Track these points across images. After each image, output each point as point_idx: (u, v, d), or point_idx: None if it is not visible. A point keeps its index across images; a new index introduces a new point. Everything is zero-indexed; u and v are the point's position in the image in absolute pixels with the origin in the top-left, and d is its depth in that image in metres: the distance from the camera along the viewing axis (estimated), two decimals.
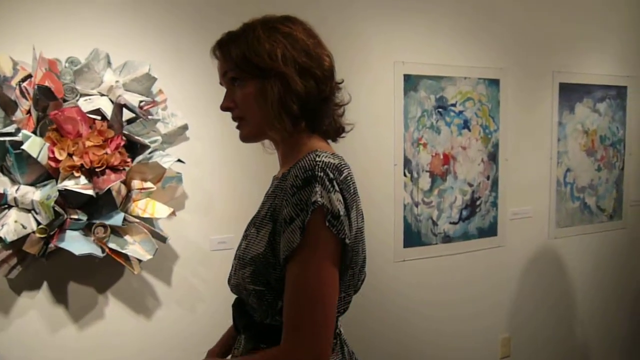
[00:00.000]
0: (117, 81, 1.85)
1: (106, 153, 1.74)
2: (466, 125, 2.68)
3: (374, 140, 2.46)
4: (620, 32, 3.23)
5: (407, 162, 2.53)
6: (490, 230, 2.81)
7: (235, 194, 2.20)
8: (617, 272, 3.35)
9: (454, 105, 2.64)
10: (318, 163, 1.05)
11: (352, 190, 1.09)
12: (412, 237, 2.58)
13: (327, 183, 1.02)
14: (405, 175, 2.53)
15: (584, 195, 3.13)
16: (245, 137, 1.21)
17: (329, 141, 1.24)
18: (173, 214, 1.96)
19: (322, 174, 1.03)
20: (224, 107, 1.19)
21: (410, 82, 2.51)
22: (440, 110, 2.60)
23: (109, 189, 1.75)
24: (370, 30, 2.42)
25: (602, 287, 3.29)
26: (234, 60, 1.13)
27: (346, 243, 1.04)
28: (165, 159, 1.94)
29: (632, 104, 3.28)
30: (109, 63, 1.87)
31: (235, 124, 1.21)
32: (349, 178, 1.09)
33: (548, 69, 2.94)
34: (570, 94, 3.03)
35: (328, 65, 1.16)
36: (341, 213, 1.02)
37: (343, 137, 1.28)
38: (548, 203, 3.01)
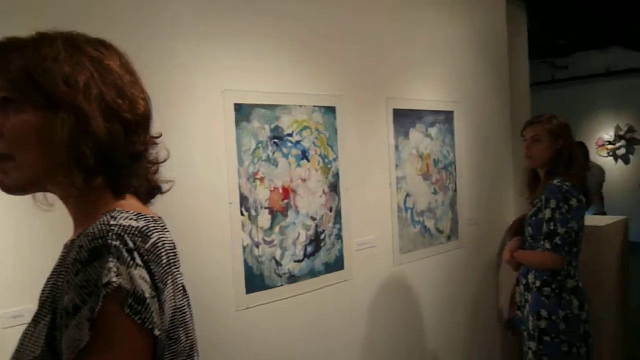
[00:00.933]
0: None
1: None
2: (305, 155, 2.53)
3: (205, 178, 2.19)
4: (445, 60, 3.36)
5: (243, 200, 2.30)
6: (336, 265, 2.68)
7: (29, 252, 1.77)
8: (457, 289, 3.43)
9: (290, 135, 2.48)
10: (113, 228, 0.77)
11: (164, 261, 0.82)
12: (255, 281, 2.34)
13: (126, 255, 0.76)
14: (242, 213, 2.30)
15: (423, 218, 3.17)
16: (9, 187, 0.86)
17: None
18: None
19: (118, 242, 0.76)
20: None
21: (242, 112, 2.30)
22: (276, 141, 2.42)
23: None
24: (192, 54, 2.16)
25: (446, 306, 3.35)
26: (10, 73, 0.81)
27: (155, 335, 0.77)
28: None
29: (459, 127, 3.42)
30: None
31: None
32: (159, 244, 0.82)
33: (382, 95, 2.93)
34: (404, 119, 3.05)
35: (143, 110, 0.90)
36: (147, 295, 0.76)
37: (163, 193, 1.01)
38: (391, 230, 2.97)
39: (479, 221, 3.59)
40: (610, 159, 8.64)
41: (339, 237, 2.69)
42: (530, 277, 2.61)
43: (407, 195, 3.07)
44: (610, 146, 8.66)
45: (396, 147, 3.00)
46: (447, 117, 3.34)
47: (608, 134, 8.65)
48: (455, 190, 3.40)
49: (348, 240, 2.73)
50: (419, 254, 3.13)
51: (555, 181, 2.49)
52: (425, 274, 3.19)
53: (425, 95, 3.21)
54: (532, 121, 2.69)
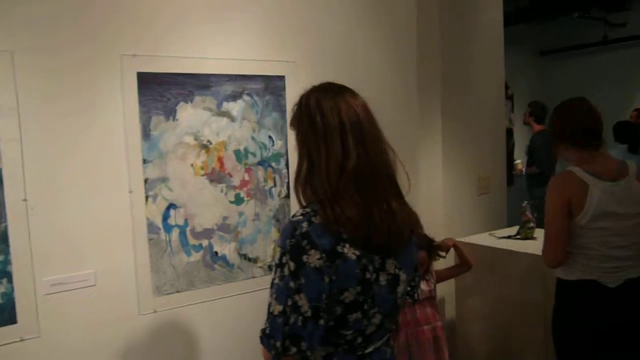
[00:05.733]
0: None
1: None
2: None
3: None
4: None
5: None
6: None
7: None
8: None
9: None
10: None
11: None
12: None
13: None
14: None
15: (210, 241, 2.09)
16: None
17: None
18: None
19: None
20: None
21: None
22: None
23: None
24: None
25: None
26: None
27: None
28: None
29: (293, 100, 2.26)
30: None
31: None
32: None
33: (112, 51, 1.87)
34: (166, 90, 1.97)
35: None
36: None
37: None
38: (133, 260, 1.94)
39: None
40: None
41: (5, 274, 1.72)
42: None
43: (172, 206, 2.01)
44: None
45: (147, 133, 1.94)
46: (268, 85, 2.20)
47: None
48: (287, 196, 2.27)
49: (28, 279, 1.75)
50: (196, 295, 2.06)
51: (297, 213, 1.26)
52: (210, 325, 2.11)
53: (220, 51, 2.09)
54: None
